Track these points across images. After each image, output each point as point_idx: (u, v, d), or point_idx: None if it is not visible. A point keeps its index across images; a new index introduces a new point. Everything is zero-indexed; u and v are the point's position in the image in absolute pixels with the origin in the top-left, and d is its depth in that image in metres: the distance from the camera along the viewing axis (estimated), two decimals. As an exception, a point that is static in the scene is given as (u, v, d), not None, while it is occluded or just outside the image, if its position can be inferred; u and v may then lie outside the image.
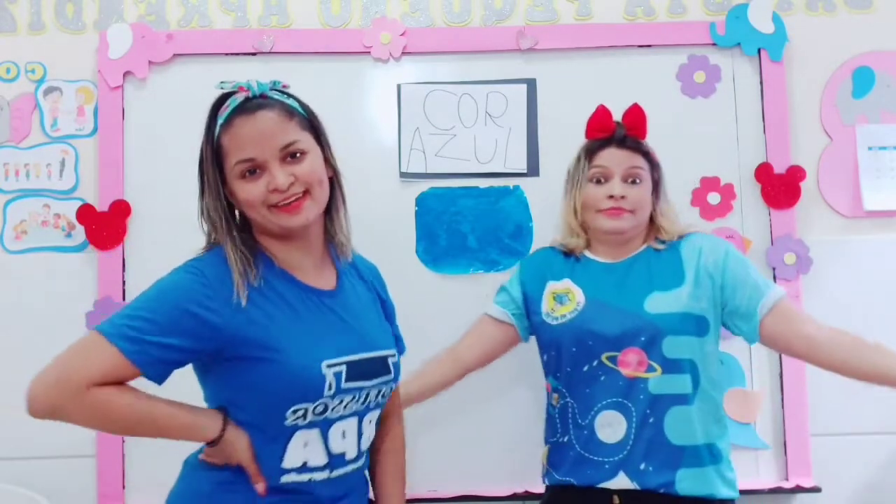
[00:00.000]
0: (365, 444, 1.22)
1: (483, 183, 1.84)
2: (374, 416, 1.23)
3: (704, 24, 1.87)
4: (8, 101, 1.86)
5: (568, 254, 1.52)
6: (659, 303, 1.40)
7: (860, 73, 1.88)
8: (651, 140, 1.82)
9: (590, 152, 1.50)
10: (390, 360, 1.23)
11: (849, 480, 1.80)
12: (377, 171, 1.84)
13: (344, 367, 1.13)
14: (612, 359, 1.40)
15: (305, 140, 1.15)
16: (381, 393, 1.22)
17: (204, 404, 1.18)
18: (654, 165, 1.51)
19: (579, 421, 1.42)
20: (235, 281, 1.10)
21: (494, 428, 1.80)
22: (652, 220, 1.50)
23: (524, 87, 1.86)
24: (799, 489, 1.77)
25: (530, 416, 1.74)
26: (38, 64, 1.87)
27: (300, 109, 1.18)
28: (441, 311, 1.80)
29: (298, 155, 1.13)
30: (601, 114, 1.51)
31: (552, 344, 1.46)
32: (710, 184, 1.84)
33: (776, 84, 1.85)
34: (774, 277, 1.81)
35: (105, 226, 1.80)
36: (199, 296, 1.08)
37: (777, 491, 1.77)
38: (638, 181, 1.46)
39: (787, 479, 1.79)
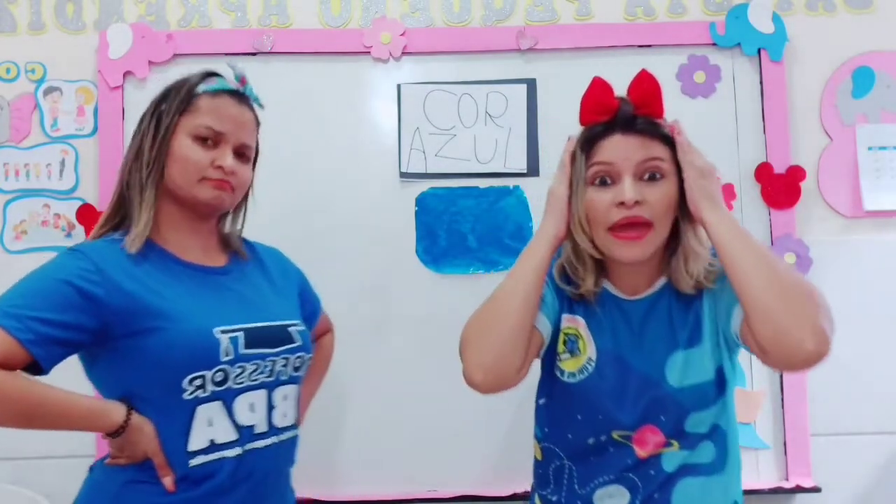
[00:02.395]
0: (279, 420, 1.19)
1: (483, 183, 1.84)
2: (289, 391, 1.22)
3: (704, 24, 1.87)
4: (8, 101, 1.86)
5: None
6: (682, 371, 1.11)
7: (860, 73, 1.88)
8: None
9: (588, 143, 1.12)
10: (293, 329, 1.23)
11: (849, 480, 1.80)
12: (377, 171, 1.84)
13: (241, 334, 1.13)
14: (626, 436, 1.13)
15: (252, 153, 1.27)
16: (292, 364, 1.22)
17: None
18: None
19: (576, 489, 1.16)
20: (138, 231, 1.14)
21: (494, 427, 1.80)
22: (673, 241, 1.14)
23: (524, 87, 1.86)
24: (799, 489, 1.77)
25: (530, 416, 1.74)
26: (38, 64, 1.87)
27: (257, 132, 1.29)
28: (441, 311, 1.79)
29: (244, 159, 1.23)
30: (598, 88, 1.13)
31: (555, 398, 1.19)
32: (710, 184, 1.84)
33: (776, 84, 1.85)
34: (774, 277, 1.81)
35: (105, 226, 1.80)
36: (79, 270, 1.07)
37: (777, 491, 1.77)
38: (658, 176, 1.09)
39: (787, 479, 1.79)
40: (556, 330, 1.18)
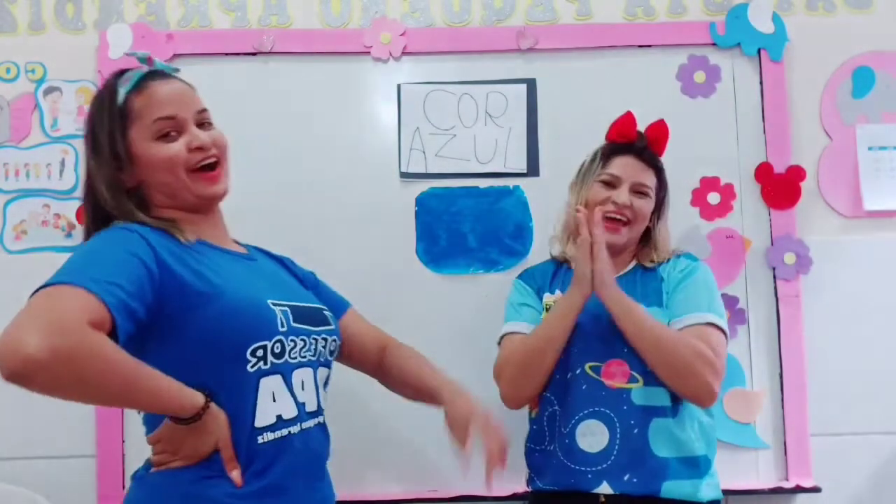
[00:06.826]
0: (322, 401, 1.20)
1: (483, 183, 1.84)
2: (324, 374, 1.22)
3: (704, 24, 1.87)
4: (8, 101, 1.86)
5: (562, 262, 1.55)
6: None
7: (860, 73, 1.88)
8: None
9: (606, 155, 1.50)
10: (327, 313, 1.24)
11: (849, 480, 1.80)
12: (377, 171, 1.84)
13: (288, 308, 1.13)
14: (596, 369, 1.41)
15: (209, 115, 1.19)
16: (328, 347, 1.21)
17: None
18: (662, 185, 1.53)
19: (562, 429, 1.42)
20: (177, 231, 1.10)
21: (494, 428, 1.80)
22: (645, 238, 1.52)
23: (524, 87, 1.86)
24: (799, 489, 1.76)
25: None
26: (38, 64, 1.87)
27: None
28: (441, 311, 1.80)
29: (208, 125, 1.17)
30: (626, 119, 1.52)
31: None
32: (710, 184, 1.84)
33: (776, 84, 1.85)
34: (774, 277, 1.82)
35: (105, 226, 1.80)
36: (136, 244, 1.03)
37: (777, 491, 1.77)
38: (644, 195, 1.48)
39: (787, 479, 1.78)
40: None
